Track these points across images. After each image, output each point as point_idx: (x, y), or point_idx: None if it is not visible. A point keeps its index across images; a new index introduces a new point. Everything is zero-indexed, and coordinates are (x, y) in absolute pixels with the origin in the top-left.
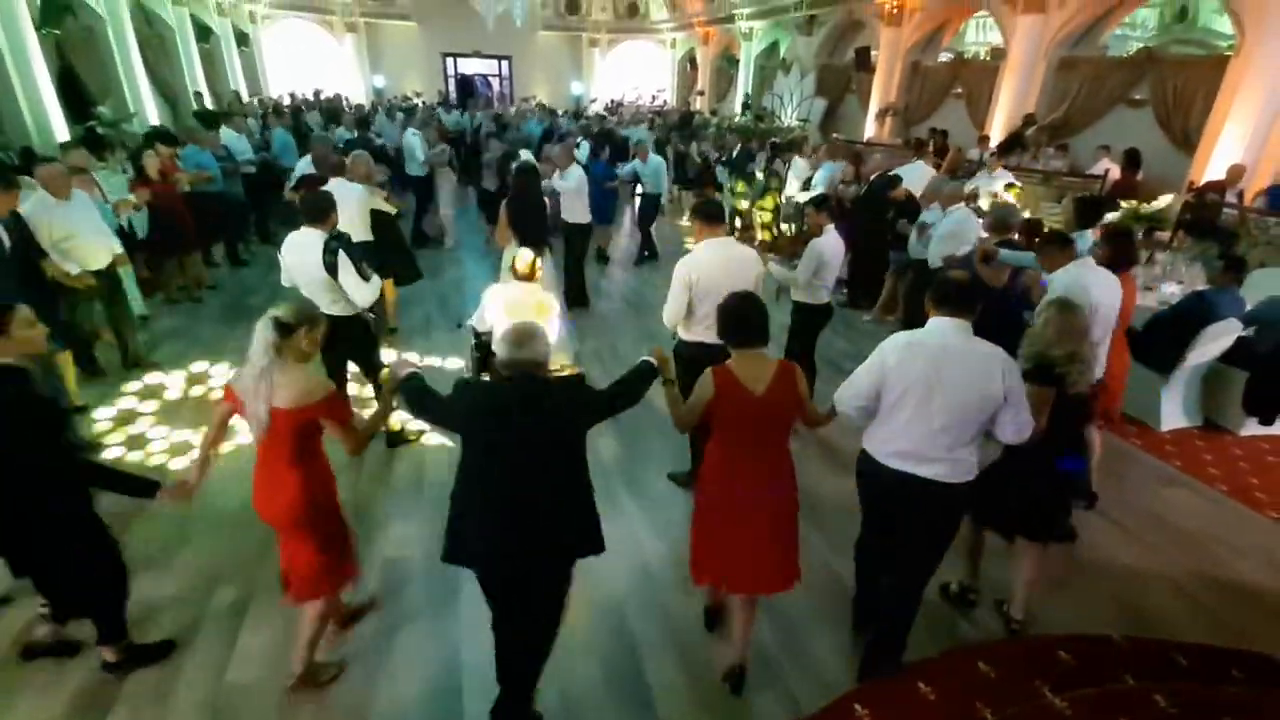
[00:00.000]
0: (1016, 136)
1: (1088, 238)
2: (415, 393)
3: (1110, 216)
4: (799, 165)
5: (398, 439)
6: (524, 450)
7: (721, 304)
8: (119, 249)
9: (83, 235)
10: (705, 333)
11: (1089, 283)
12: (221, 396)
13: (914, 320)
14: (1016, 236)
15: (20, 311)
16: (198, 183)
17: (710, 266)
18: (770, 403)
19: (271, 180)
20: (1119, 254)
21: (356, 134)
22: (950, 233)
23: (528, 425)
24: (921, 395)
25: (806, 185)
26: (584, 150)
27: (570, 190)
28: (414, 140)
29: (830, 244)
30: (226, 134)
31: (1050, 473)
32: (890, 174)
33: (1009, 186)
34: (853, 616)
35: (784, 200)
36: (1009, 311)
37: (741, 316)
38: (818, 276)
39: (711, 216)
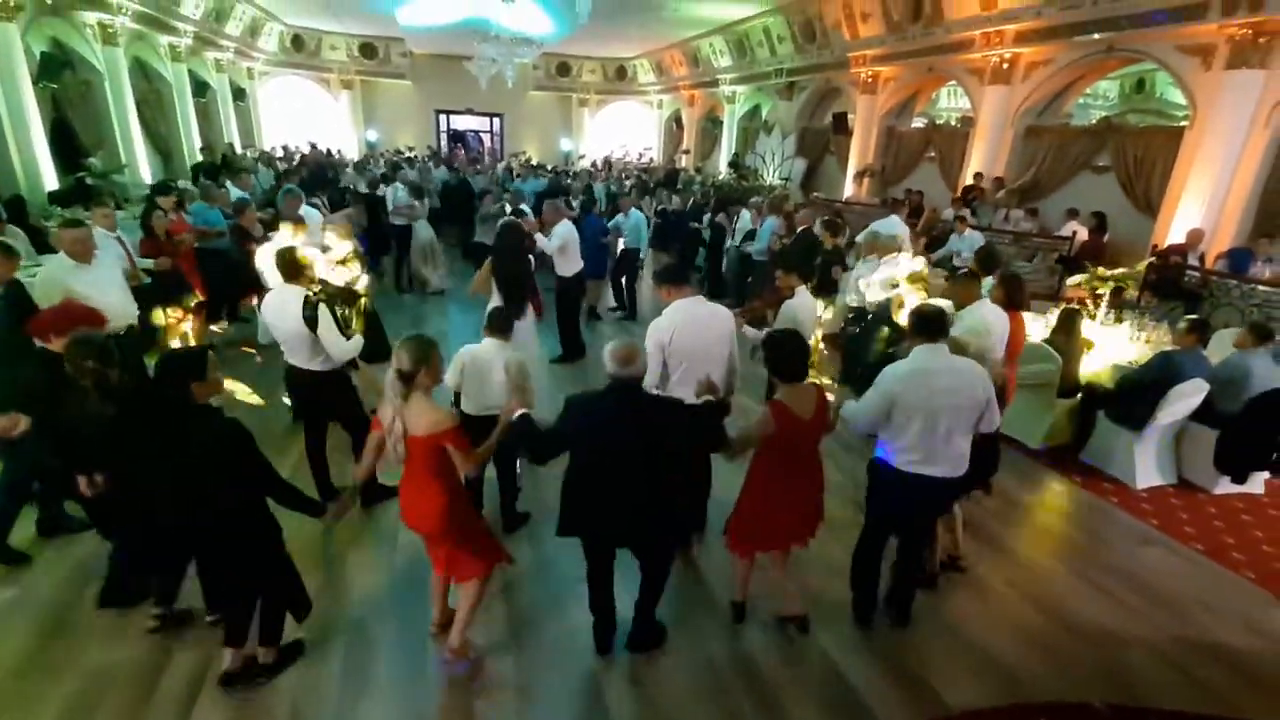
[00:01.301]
0: (970, 189)
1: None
2: (528, 431)
3: (1077, 278)
4: (744, 218)
5: (378, 494)
6: (622, 451)
7: (773, 343)
8: (134, 314)
9: (98, 298)
10: (684, 392)
11: (990, 318)
12: (370, 426)
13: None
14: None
15: (212, 356)
16: (206, 240)
17: (682, 327)
18: (815, 424)
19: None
20: (1010, 295)
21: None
22: (884, 282)
23: (626, 431)
24: (928, 412)
25: (750, 238)
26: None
27: (554, 248)
28: (394, 193)
29: (804, 305)
30: (231, 190)
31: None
32: (809, 228)
33: (914, 278)
34: (858, 608)
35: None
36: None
37: (792, 355)
38: None
39: (676, 277)
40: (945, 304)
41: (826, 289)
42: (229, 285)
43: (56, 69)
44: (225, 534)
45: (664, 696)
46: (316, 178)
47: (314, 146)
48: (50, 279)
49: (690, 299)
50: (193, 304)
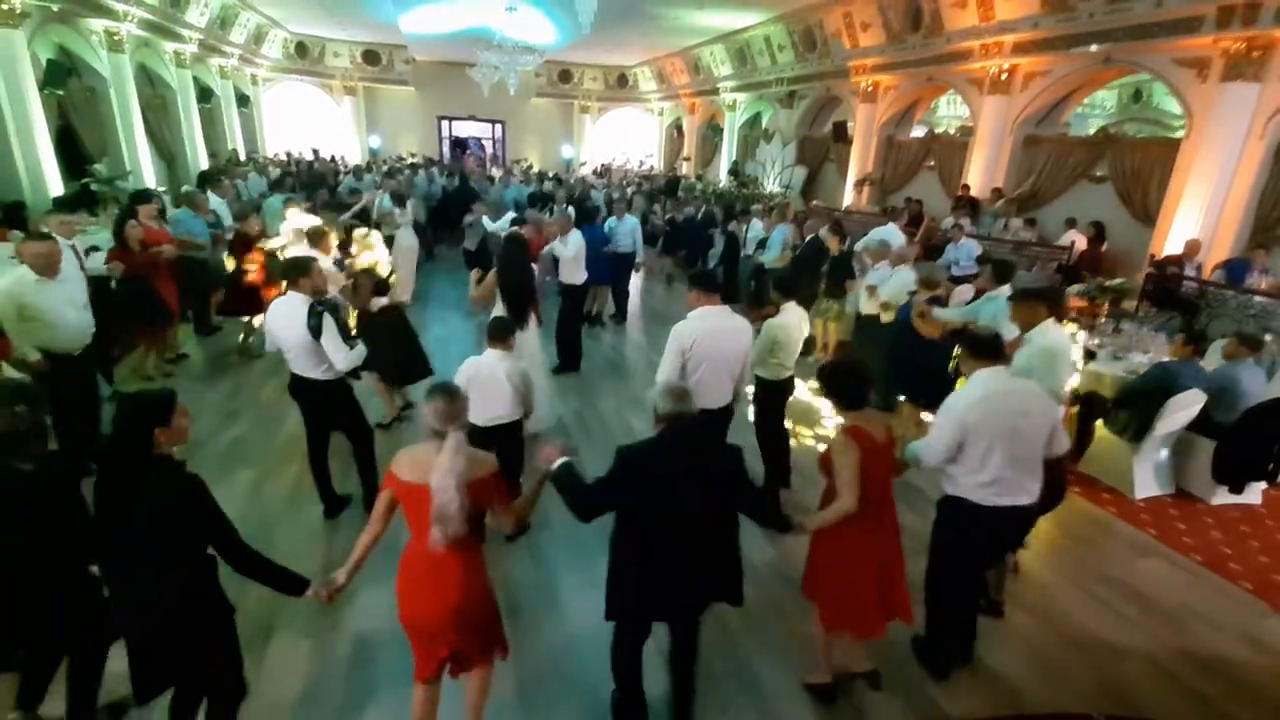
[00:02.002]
0: (960, 200)
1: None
2: (567, 480)
3: (1076, 287)
4: (756, 228)
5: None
6: (685, 505)
7: (825, 374)
8: (91, 333)
9: (56, 315)
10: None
11: (1061, 343)
12: (382, 483)
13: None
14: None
15: (179, 403)
16: (187, 249)
17: (705, 334)
18: (889, 447)
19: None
20: (1054, 310)
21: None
22: (894, 291)
23: (686, 483)
24: (1006, 439)
25: (761, 245)
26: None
27: (569, 257)
28: (379, 201)
29: (791, 321)
30: (211, 198)
31: None
32: (817, 235)
33: (926, 283)
34: (936, 659)
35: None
36: (939, 360)
37: (845, 380)
38: (774, 355)
39: (708, 286)
40: (1010, 329)
41: (835, 294)
42: (208, 298)
43: (62, 76)
44: (174, 609)
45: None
46: (308, 186)
47: (316, 154)
48: (8, 295)
49: (716, 309)
50: (163, 328)
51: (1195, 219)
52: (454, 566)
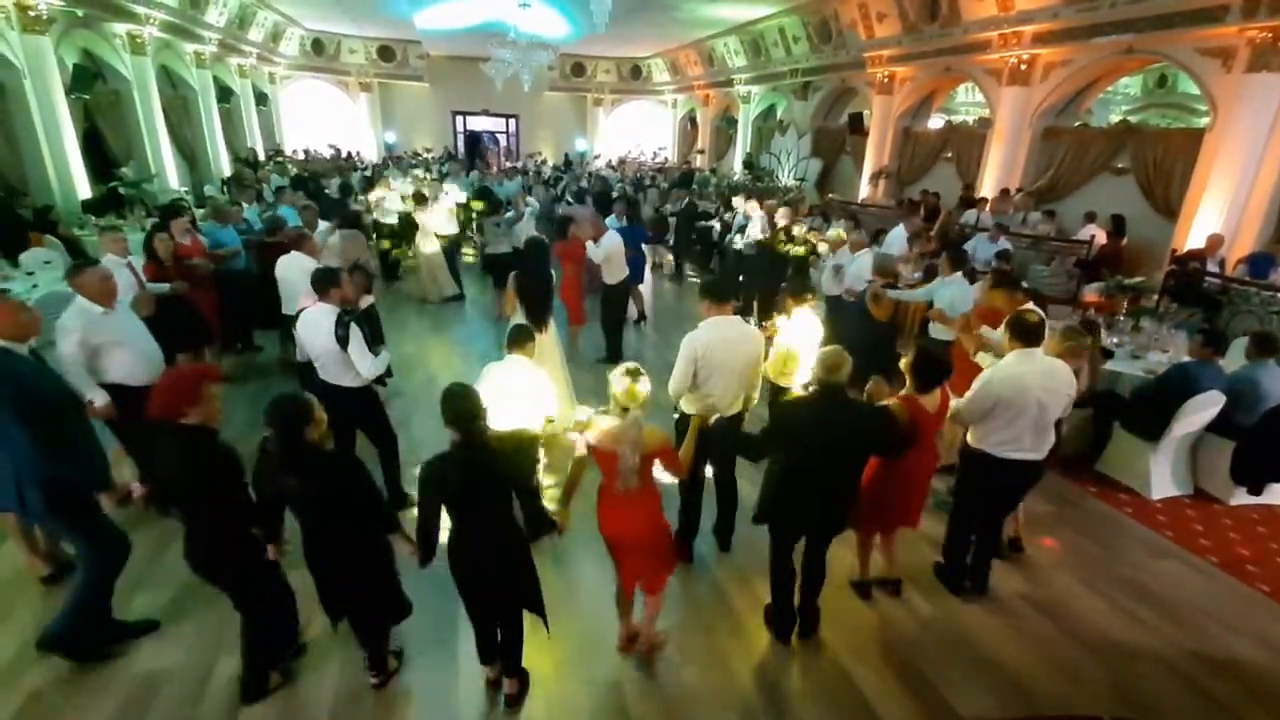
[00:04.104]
0: (965, 199)
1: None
2: (728, 433)
3: (1096, 286)
4: (739, 216)
5: (405, 502)
6: (826, 448)
7: (928, 362)
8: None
9: (135, 344)
10: (709, 406)
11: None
12: (581, 450)
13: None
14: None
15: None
16: (220, 262)
17: (716, 343)
18: (939, 417)
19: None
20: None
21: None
22: (856, 273)
23: (831, 430)
24: (1034, 408)
25: (739, 231)
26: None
27: (600, 257)
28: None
29: (806, 330)
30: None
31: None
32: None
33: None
34: (951, 580)
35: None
36: (887, 338)
37: (941, 373)
38: (788, 366)
39: (720, 295)
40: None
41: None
42: (248, 309)
43: (88, 80)
44: (363, 560)
45: (681, 699)
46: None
47: (336, 150)
48: (64, 332)
49: (727, 318)
50: (203, 345)
51: (1219, 213)
52: (637, 504)
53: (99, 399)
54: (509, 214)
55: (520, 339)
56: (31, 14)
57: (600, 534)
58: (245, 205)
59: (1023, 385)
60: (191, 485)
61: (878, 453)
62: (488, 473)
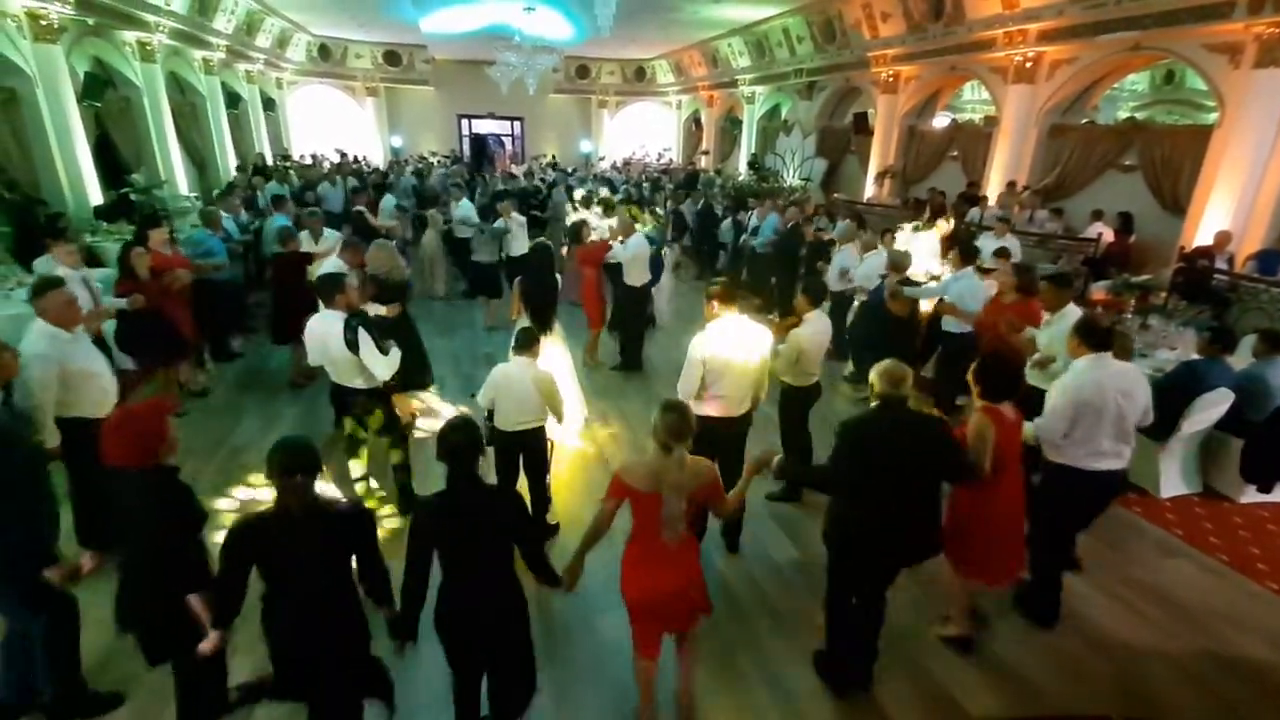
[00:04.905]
0: (966, 195)
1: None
2: (795, 469)
3: (1103, 284)
4: (753, 217)
5: (416, 503)
6: (895, 469)
7: (997, 367)
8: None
9: (100, 373)
10: (717, 408)
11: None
12: (608, 492)
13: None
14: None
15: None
16: (203, 273)
17: (723, 345)
18: (1017, 425)
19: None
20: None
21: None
22: (867, 272)
23: (897, 448)
24: (1115, 414)
25: (753, 233)
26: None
27: (627, 259)
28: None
29: (816, 331)
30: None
31: None
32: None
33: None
34: (1040, 610)
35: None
36: (908, 336)
37: (1015, 380)
38: (799, 363)
39: (726, 296)
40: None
41: (813, 274)
42: (229, 319)
43: (99, 88)
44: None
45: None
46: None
47: (343, 154)
48: (48, 363)
49: (735, 319)
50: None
51: (1227, 209)
52: (683, 556)
53: (52, 439)
54: (496, 224)
55: (528, 342)
56: (43, 23)
57: (623, 595)
58: (226, 214)
59: (1101, 390)
60: (153, 530)
61: (948, 477)
62: (487, 520)
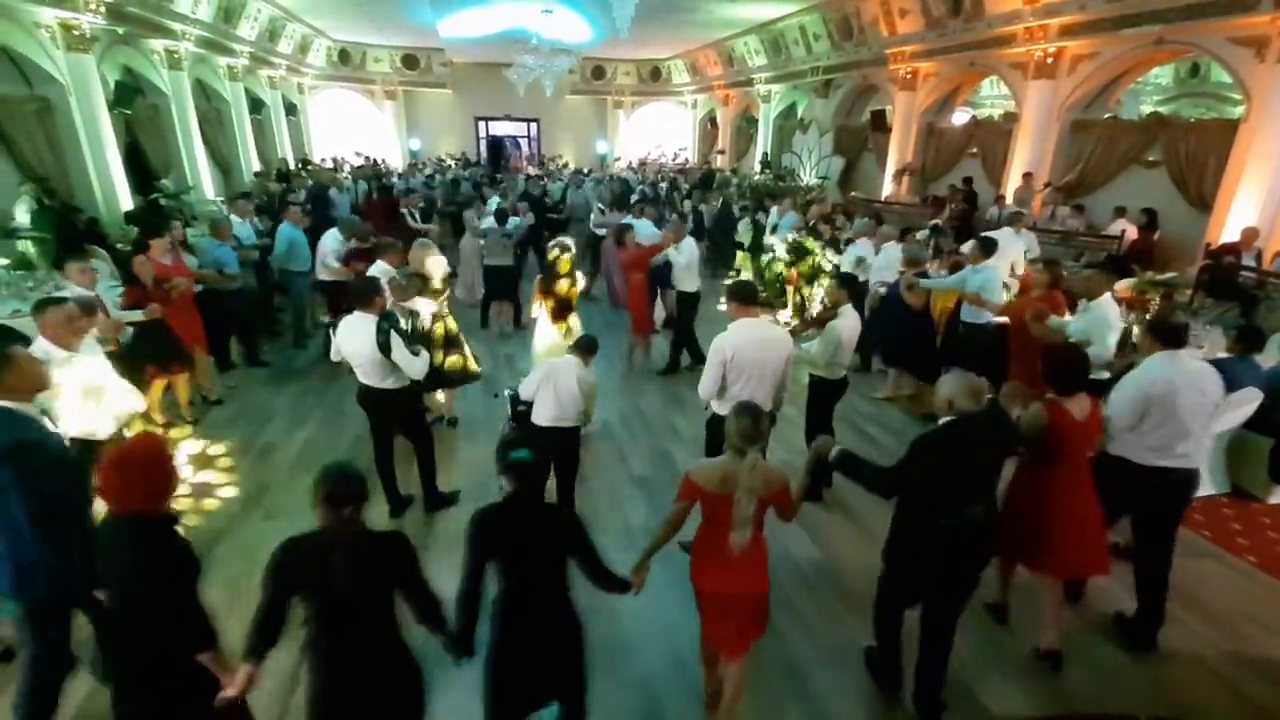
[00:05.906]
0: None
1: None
2: (851, 462)
3: (1126, 282)
4: (772, 215)
5: (440, 501)
6: (971, 487)
7: (1068, 362)
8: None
9: (112, 393)
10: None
11: (1112, 317)
12: (679, 494)
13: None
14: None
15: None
16: (211, 283)
17: (744, 345)
18: (1089, 424)
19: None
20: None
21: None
22: (883, 265)
23: (974, 456)
24: (1187, 412)
25: (772, 231)
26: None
27: (681, 264)
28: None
29: (848, 325)
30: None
31: None
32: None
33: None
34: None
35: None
36: (925, 328)
37: (1082, 375)
38: (834, 356)
39: (746, 297)
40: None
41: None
42: (248, 329)
43: (129, 95)
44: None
45: None
46: (316, 201)
47: (365, 158)
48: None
49: (755, 320)
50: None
51: (1254, 205)
52: (747, 558)
53: (104, 429)
54: (514, 222)
55: (589, 347)
56: (76, 33)
57: (693, 585)
58: (238, 219)
59: (1172, 388)
60: (147, 585)
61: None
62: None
